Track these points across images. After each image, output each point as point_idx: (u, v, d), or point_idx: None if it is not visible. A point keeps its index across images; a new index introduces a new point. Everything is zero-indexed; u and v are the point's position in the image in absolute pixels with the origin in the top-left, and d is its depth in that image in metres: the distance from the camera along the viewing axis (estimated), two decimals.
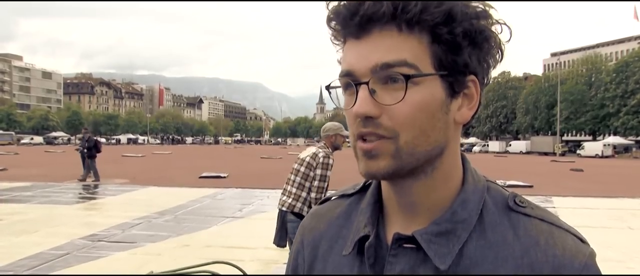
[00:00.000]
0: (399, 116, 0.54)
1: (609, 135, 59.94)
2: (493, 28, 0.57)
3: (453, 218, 0.58)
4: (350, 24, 0.55)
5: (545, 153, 54.48)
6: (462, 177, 0.61)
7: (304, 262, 0.71)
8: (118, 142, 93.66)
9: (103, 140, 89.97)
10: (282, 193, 4.25)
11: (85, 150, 15.07)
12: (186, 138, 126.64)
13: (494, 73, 0.61)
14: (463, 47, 0.54)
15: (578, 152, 53.88)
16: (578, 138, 72.31)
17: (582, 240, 0.58)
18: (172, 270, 4.50)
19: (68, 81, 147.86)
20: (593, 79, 63.59)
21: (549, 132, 67.39)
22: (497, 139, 76.08)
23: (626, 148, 54.94)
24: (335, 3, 0.57)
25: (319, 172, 4.08)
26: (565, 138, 70.97)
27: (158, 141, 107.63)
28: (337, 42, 0.59)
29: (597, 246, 0.61)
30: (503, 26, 0.57)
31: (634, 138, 57.60)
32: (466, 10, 0.54)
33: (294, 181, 4.16)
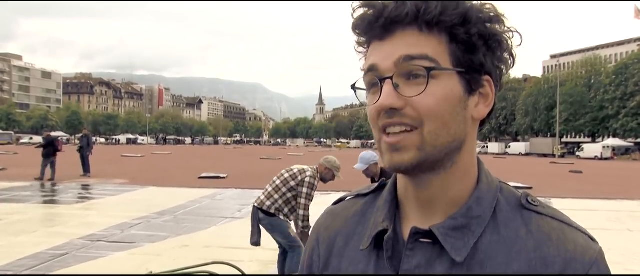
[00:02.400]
0: (423, 106, 0.57)
1: (608, 137, 59.98)
2: (505, 35, 0.61)
3: (468, 213, 0.60)
4: (375, 26, 0.59)
5: (545, 155, 54.49)
6: (477, 175, 0.64)
7: (319, 259, 0.72)
8: (117, 142, 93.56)
9: (102, 140, 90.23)
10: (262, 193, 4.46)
11: (42, 149, 15.01)
12: (185, 139, 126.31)
13: None
14: (478, 47, 0.58)
15: (577, 153, 53.92)
16: (577, 140, 72.31)
17: (592, 239, 0.60)
18: (171, 270, 4.49)
19: (68, 81, 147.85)
20: (592, 81, 63.63)
21: (549, 133, 67.42)
22: (496, 140, 76.15)
23: (625, 150, 54.95)
24: (361, 11, 0.61)
25: (305, 190, 4.26)
26: (564, 140, 70.96)
27: (154, 141, 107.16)
28: (360, 50, 0.63)
29: None
30: (515, 33, 0.61)
31: (633, 140, 57.58)
32: (480, 14, 0.58)
33: (273, 182, 4.39)
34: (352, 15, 0.61)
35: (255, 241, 4.45)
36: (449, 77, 0.58)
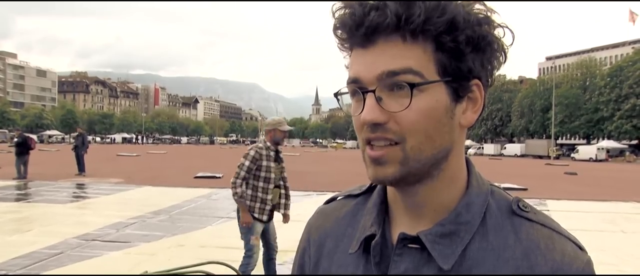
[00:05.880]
0: (406, 122, 0.55)
1: (603, 138, 60.30)
2: (496, 32, 0.58)
3: (457, 219, 0.59)
4: (356, 34, 0.56)
5: (540, 157, 54.65)
6: (466, 179, 0.63)
7: (309, 260, 0.72)
8: (113, 141, 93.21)
9: (98, 139, 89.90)
10: None
11: (15, 148, 15.08)
12: (181, 138, 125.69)
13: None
14: (466, 53, 0.56)
15: (572, 155, 54.09)
16: (572, 141, 72.71)
17: (581, 248, 0.60)
18: (166, 269, 4.48)
19: (63, 79, 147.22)
20: (588, 83, 63.97)
21: (544, 135, 67.71)
22: (492, 142, 76.33)
23: (620, 152, 55.24)
24: (341, 12, 0.58)
25: (241, 159, 4.25)
26: (559, 141, 71.24)
27: (151, 141, 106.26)
28: (344, 50, 0.61)
29: (591, 250, 0.64)
30: (505, 29, 0.59)
31: (628, 142, 57.96)
32: (468, 17, 0.55)
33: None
34: (332, 15, 0.59)
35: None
36: (434, 88, 0.56)
